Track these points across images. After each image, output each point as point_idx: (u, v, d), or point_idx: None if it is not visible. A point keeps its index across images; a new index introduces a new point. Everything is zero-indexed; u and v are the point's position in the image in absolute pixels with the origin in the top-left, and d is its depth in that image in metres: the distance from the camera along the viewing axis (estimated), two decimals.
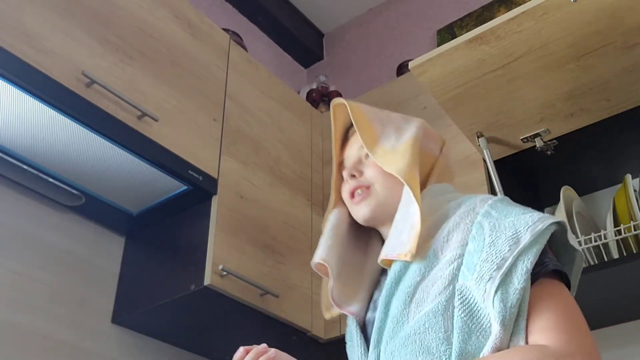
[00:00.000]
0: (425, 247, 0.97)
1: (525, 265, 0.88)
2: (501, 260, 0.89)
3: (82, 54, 1.50)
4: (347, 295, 1.07)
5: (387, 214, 1.08)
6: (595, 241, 1.56)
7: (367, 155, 1.13)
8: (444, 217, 1.01)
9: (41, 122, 1.45)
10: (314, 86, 2.67)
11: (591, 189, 1.87)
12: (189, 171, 1.65)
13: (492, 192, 1.69)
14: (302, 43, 2.97)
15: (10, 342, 1.53)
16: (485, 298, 0.87)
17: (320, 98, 2.59)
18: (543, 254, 0.91)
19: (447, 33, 2.57)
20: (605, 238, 1.56)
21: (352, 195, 1.11)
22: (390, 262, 1.01)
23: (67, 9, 1.50)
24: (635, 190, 1.58)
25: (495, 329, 0.85)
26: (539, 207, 1.84)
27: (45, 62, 1.41)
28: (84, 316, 1.71)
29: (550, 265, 0.92)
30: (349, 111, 1.13)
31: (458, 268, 0.92)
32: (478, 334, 0.87)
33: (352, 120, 1.12)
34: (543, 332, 0.86)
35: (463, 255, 0.93)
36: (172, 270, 1.69)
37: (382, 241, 1.13)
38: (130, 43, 1.63)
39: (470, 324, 0.88)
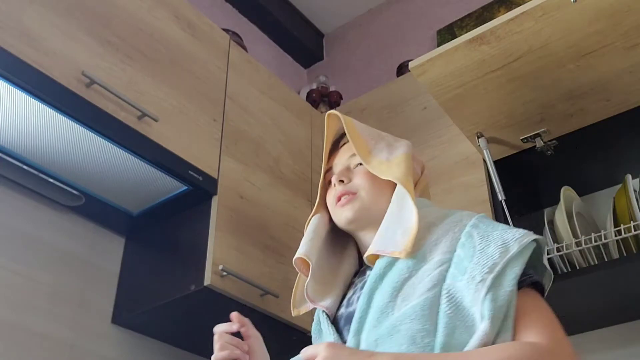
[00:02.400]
0: (413, 249, 1.05)
1: (514, 271, 0.98)
2: (492, 264, 0.97)
3: (82, 54, 1.50)
4: (320, 293, 1.16)
5: (369, 219, 1.16)
6: (595, 241, 1.55)
7: (356, 165, 1.21)
8: (431, 225, 1.09)
9: (41, 122, 1.45)
10: (314, 86, 2.67)
11: (591, 189, 1.86)
12: (189, 171, 1.65)
13: (492, 192, 1.69)
14: (302, 43, 2.97)
15: (10, 342, 1.54)
16: (475, 297, 0.95)
17: (320, 98, 2.59)
18: (527, 266, 1.01)
19: (447, 33, 2.57)
20: (605, 238, 1.56)
21: (339, 199, 1.18)
22: (374, 259, 1.09)
23: (67, 9, 1.51)
24: (635, 190, 1.58)
25: (483, 325, 0.93)
26: (539, 207, 1.84)
27: (45, 62, 1.41)
28: (84, 316, 1.71)
29: (534, 277, 1.02)
30: (343, 123, 1.20)
31: (446, 270, 1.01)
32: (462, 330, 0.95)
33: (346, 132, 1.19)
34: (531, 330, 0.95)
35: (451, 259, 1.02)
36: (172, 271, 1.69)
37: (357, 248, 1.23)
38: (130, 43, 1.63)
39: (455, 320, 0.96)
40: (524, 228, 1.15)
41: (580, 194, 1.76)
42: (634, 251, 1.54)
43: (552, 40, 1.43)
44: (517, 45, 1.44)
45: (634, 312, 1.67)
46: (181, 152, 1.65)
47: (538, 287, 1.03)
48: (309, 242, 1.18)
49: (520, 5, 1.42)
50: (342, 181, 1.18)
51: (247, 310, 1.70)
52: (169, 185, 1.66)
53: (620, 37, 1.41)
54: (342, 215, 1.17)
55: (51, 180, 1.60)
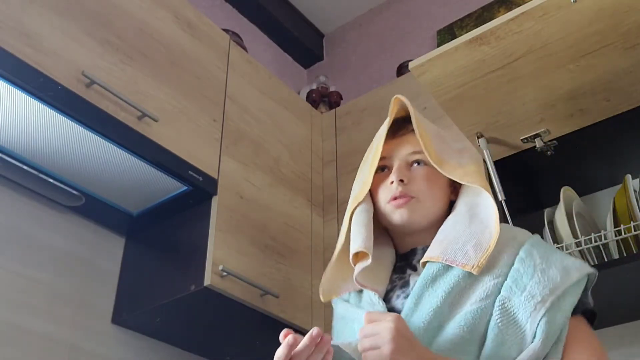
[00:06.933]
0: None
1: (573, 297, 1.03)
2: (553, 287, 1.01)
3: (82, 54, 1.50)
4: (369, 277, 1.14)
5: (422, 223, 1.16)
6: (595, 241, 1.55)
7: (414, 162, 1.18)
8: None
9: (41, 122, 1.45)
10: (314, 87, 2.67)
11: (591, 189, 1.86)
12: (189, 172, 1.65)
13: (493, 192, 1.69)
14: (302, 43, 2.97)
15: (10, 342, 1.54)
16: (533, 315, 0.99)
17: (320, 98, 2.59)
18: (582, 295, 1.06)
19: (447, 33, 2.57)
20: (605, 238, 1.56)
21: (394, 198, 1.15)
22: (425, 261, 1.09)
23: (67, 9, 1.50)
24: (635, 191, 1.58)
25: (535, 345, 0.97)
26: (539, 207, 1.84)
27: (45, 62, 1.41)
28: (84, 316, 1.71)
29: (588, 306, 1.07)
30: (412, 116, 1.16)
31: (502, 283, 1.04)
32: (510, 344, 0.98)
33: (416, 128, 1.16)
34: (580, 356, 0.99)
35: (508, 273, 1.05)
36: (172, 271, 1.69)
37: (390, 237, 1.22)
38: (130, 43, 1.63)
39: (505, 334, 0.99)
40: (524, 228, 1.17)
41: (580, 194, 1.76)
42: (634, 251, 1.54)
43: (552, 40, 1.43)
44: (517, 45, 1.44)
45: (634, 312, 1.67)
46: (181, 153, 1.65)
47: (587, 316, 1.06)
48: (366, 238, 1.12)
49: (520, 5, 1.42)
50: (402, 181, 1.15)
51: (247, 310, 1.70)
52: (169, 186, 1.66)
53: (620, 37, 1.41)
54: (397, 216, 1.15)
55: (51, 180, 1.60)
